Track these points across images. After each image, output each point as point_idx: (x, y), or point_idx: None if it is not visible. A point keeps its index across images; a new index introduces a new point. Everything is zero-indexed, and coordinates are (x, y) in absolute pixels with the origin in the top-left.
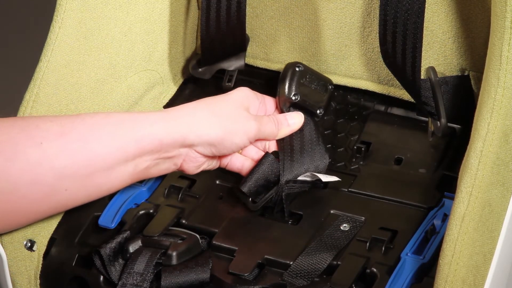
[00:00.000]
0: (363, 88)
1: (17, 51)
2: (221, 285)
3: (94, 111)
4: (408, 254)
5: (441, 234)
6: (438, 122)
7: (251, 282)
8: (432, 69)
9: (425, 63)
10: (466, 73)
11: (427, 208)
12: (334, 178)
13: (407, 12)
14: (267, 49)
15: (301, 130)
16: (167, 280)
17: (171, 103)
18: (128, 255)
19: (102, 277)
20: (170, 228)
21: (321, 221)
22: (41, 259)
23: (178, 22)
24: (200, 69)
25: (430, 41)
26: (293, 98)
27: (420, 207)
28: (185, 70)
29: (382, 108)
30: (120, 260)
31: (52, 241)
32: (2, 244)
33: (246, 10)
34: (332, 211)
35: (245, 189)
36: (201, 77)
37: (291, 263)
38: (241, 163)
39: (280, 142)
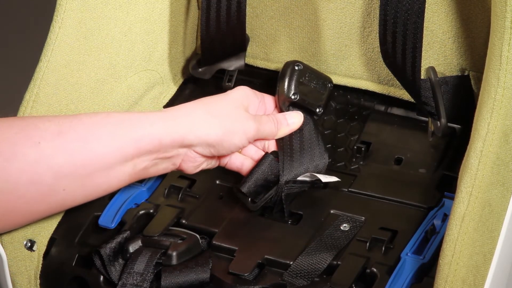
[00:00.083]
0: (363, 88)
1: (17, 51)
2: (221, 285)
3: (94, 111)
4: (408, 254)
5: (441, 234)
6: (438, 122)
7: (251, 282)
8: (432, 69)
9: (425, 63)
10: (466, 73)
11: (427, 208)
12: (333, 179)
13: (407, 12)
14: (267, 49)
15: (300, 129)
16: (167, 280)
17: (171, 103)
18: (128, 255)
19: (102, 277)
20: (170, 228)
21: (321, 221)
22: (41, 259)
23: (178, 22)
24: (200, 69)
25: (430, 41)
26: (293, 97)
27: (420, 207)
28: (185, 70)
29: (382, 108)
30: (120, 260)
31: (52, 241)
32: (2, 244)
33: (246, 10)
34: (332, 211)
35: (244, 189)
36: (201, 77)
37: (291, 263)
38: (240, 162)
39: (279, 141)
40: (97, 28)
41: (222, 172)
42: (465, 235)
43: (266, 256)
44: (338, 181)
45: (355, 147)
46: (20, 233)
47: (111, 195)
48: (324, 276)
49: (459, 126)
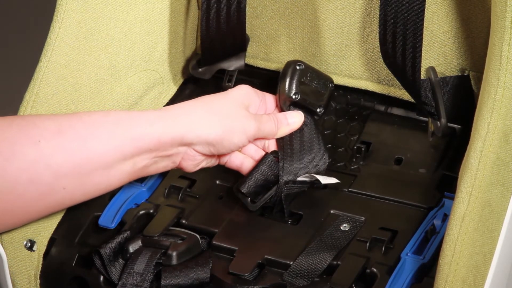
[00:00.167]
0: (363, 88)
1: (17, 51)
2: (221, 285)
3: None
4: (408, 254)
5: (441, 234)
6: (438, 122)
7: (251, 282)
8: (432, 69)
9: (425, 63)
10: (466, 73)
11: (427, 208)
12: (333, 180)
13: (407, 12)
14: (267, 49)
15: (301, 129)
16: (167, 280)
17: (171, 103)
18: (128, 255)
19: (102, 277)
20: (170, 228)
21: (321, 221)
22: (41, 259)
23: (178, 22)
24: (200, 69)
25: (430, 41)
26: (294, 96)
27: (420, 207)
28: (185, 70)
29: (382, 108)
30: (120, 260)
31: (52, 241)
32: (2, 244)
33: (246, 10)
34: (332, 211)
35: (244, 189)
36: (201, 77)
37: (291, 263)
38: (240, 161)
39: (279, 141)
40: (97, 28)
41: (222, 172)
42: (465, 235)
43: (266, 256)
44: (337, 183)
45: (355, 147)
46: (20, 233)
47: (111, 195)
48: (324, 276)
49: (459, 126)
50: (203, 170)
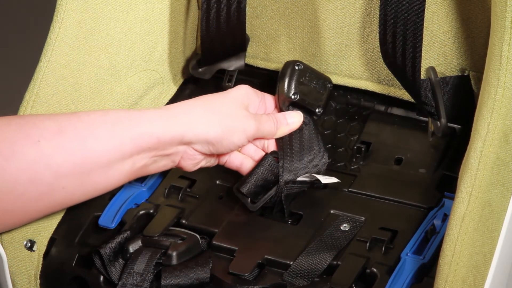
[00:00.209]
0: (363, 88)
1: (17, 51)
2: (221, 285)
3: None
4: (408, 254)
5: (441, 234)
6: (438, 122)
7: (251, 282)
8: (432, 69)
9: (425, 63)
10: (466, 73)
11: (427, 208)
12: (333, 180)
13: (407, 12)
14: (267, 49)
15: (300, 129)
16: (167, 280)
17: (171, 103)
18: (128, 255)
19: (102, 277)
20: (170, 228)
21: (321, 221)
22: (41, 259)
23: (178, 22)
24: (200, 69)
25: (430, 41)
26: (293, 97)
27: (420, 207)
28: (185, 70)
29: (382, 108)
30: (120, 260)
31: (52, 241)
32: (2, 244)
33: (246, 10)
34: (332, 211)
35: (244, 190)
36: (201, 77)
37: (291, 263)
38: (239, 161)
39: (279, 141)
40: (97, 28)
41: (222, 172)
42: (465, 235)
43: (266, 256)
44: (338, 182)
45: (355, 147)
46: (20, 233)
47: (111, 195)
48: (324, 276)
49: (459, 126)
50: (203, 170)
